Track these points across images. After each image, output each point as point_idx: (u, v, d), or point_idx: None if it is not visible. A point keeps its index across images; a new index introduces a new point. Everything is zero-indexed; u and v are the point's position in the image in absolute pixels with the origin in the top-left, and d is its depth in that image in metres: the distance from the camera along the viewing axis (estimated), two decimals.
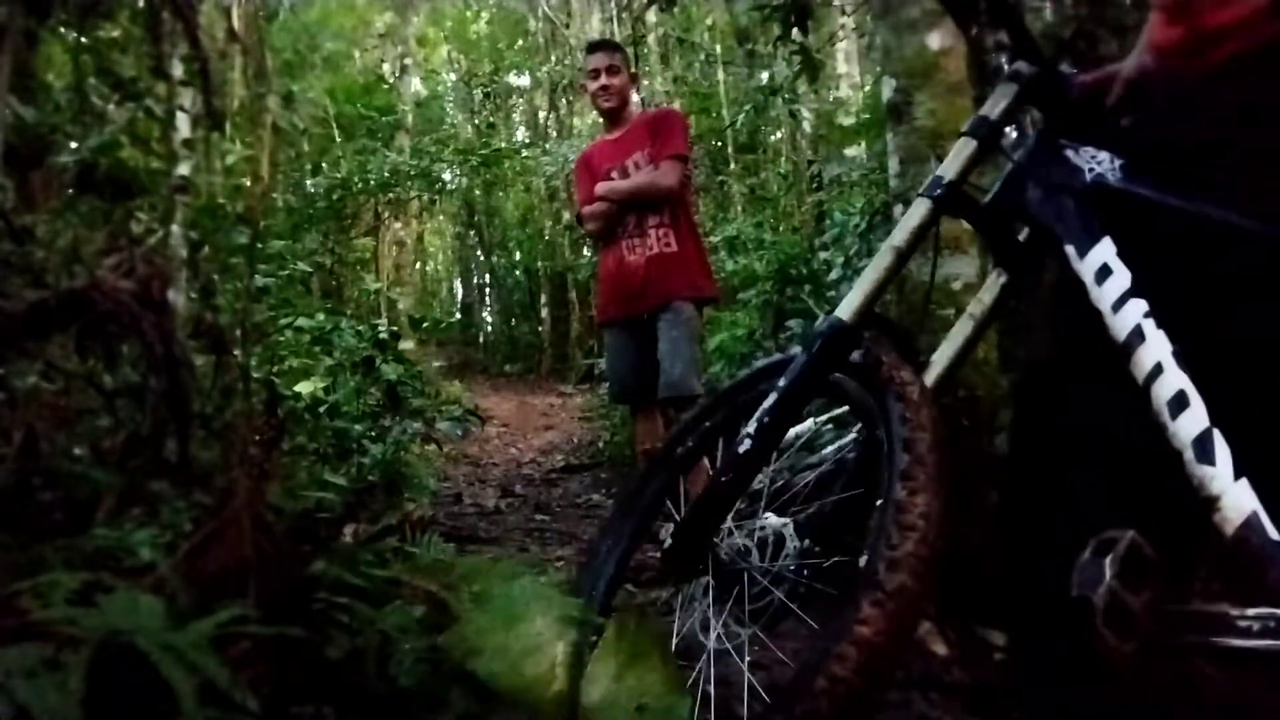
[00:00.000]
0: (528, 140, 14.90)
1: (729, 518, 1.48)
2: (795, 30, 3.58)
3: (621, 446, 5.30)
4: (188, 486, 1.80)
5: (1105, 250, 1.20)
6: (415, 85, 14.07)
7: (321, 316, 4.61)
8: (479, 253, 18.59)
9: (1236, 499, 0.99)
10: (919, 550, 1.11)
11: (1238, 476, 1.00)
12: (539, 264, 14.75)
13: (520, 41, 15.96)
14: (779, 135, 8.84)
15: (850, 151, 6.48)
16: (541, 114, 16.06)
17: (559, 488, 5.42)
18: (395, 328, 5.26)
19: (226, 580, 1.31)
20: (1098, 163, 1.26)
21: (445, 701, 1.27)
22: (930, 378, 1.38)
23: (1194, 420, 1.04)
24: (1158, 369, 1.09)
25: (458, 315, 18.09)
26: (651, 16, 10.00)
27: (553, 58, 14.21)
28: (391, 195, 10.70)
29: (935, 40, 2.35)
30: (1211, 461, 1.01)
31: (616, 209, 3.26)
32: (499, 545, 3.55)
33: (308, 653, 1.27)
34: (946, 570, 1.61)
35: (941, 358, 1.44)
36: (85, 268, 1.77)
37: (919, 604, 1.13)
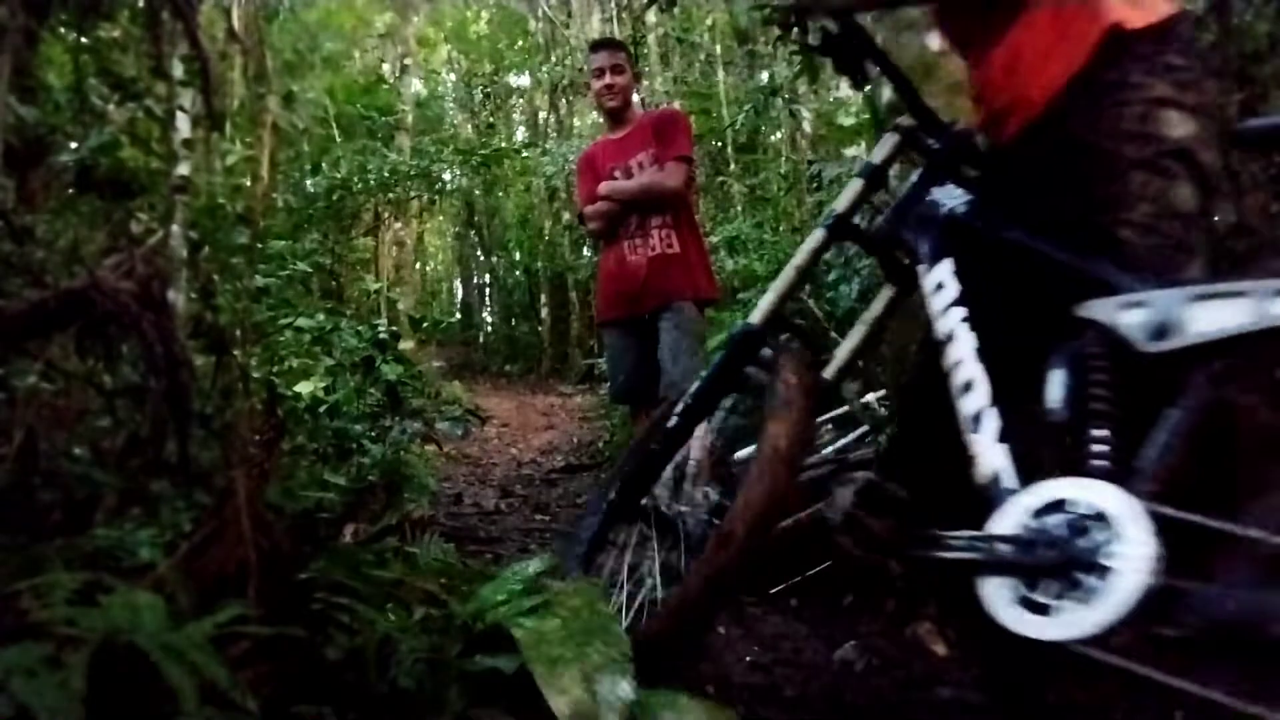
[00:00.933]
0: (528, 140, 14.89)
1: (660, 479, 1.83)
2: (795, 30, 3.58)
3: (621, 447, 5.30)
4: (188, 486, 1.80)
5: (943, 269, 1.53)
6: (415, 85, 14.07)
7: (321, 316, 4.60)
8: (479, 253, 18.59)
9: (989, 459, 1.31)
10: (763, 496, 1.43)
11: (998, 442, 1.32)
12: (539, 264, 14.74)
13: (520, 42, 15.95)
14: (779, 135, 8.84)
15: (850, 151, 6.48)
16: (541, 114, 16.07)
17: (559, 488, 5.42)
18: (395, 328, 5.25)
19: (226, 580, 1.31)
20: (953, 199, 1.58)
21: (445, 701, 1.27)
22: (829, 371, 1.73)
23: (975, 400, 1.37)
24: (959, 362, 1.42)
25: (458, 315, 18.08)
26: (651, 16, 10.00)
27: (553, 58, 14.21)
28: (391, 195, 10.70)
29: (935, 40, 2.35)
30: (979, 431, 1.34)
31: (619, 208, 3.26)
32: (499, 545, 3.55)
33: (308, 653, 1.27)
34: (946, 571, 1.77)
35: (840, 355, 1.76)
36: (85, 268, 1.77)
37: (761, 536, 1.44)
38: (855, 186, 1.74)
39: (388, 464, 3.54)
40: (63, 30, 3.35)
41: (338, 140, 11.14)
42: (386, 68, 14.49)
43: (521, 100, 17.35)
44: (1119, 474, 1.17)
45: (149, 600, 1.15)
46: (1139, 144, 1.40)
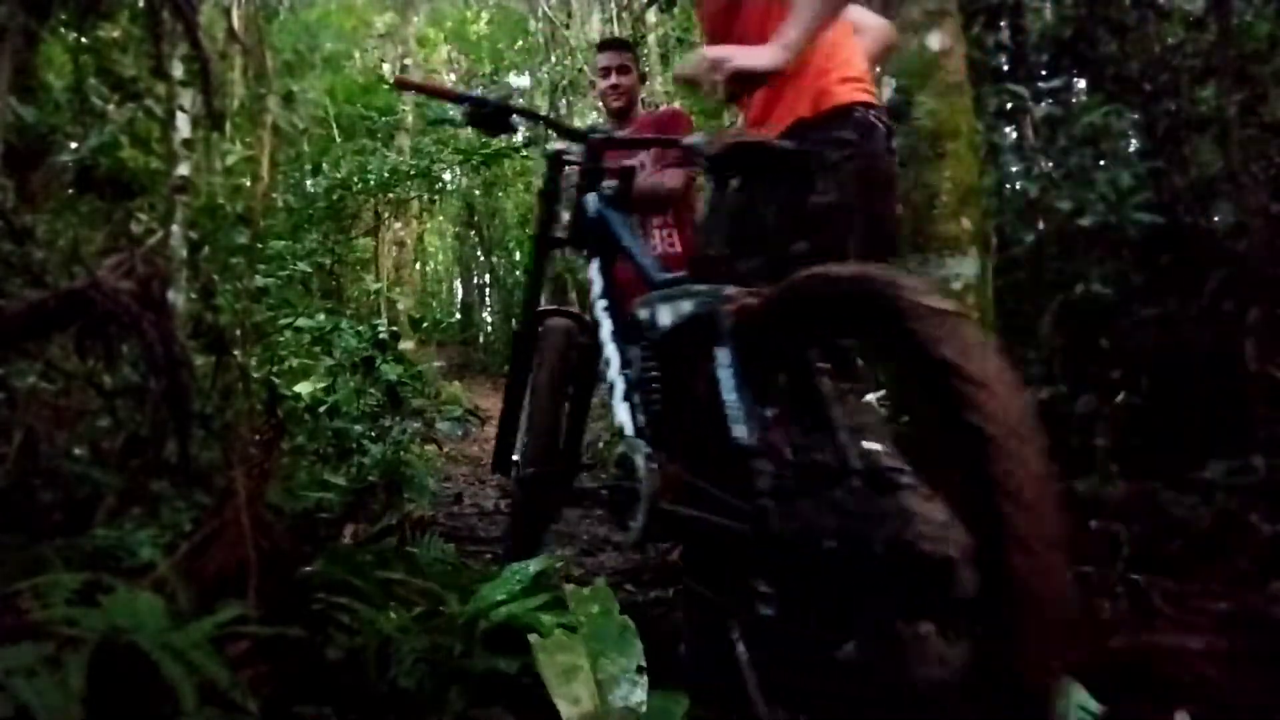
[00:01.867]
0: (528, 140, 14.88)
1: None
2: None
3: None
4: (188, 486, 1.80)
5: (593, 265, 1.91)
6: None
7: (321, 317, 4.60)
8: (479, 253, 18.59)
9: (619, 415, 1.67)
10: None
11: (624, 401, 1.67)
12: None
13: (520, 42, 15.97)
14: None
15: None
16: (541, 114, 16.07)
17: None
18: (395, 328, 5.25)
19: (226, 580, 1.31)
20: (595, 204, 1.95)
21: (445, 701, 1.27)
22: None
23: (611, 372, 1.72)
24: (604, 342, 1.78)
25: (458, 315, 18.08)
26: (651, 17, 9.99)
27: (553, 58, 14.21)
28: (391, 195, 10.69)
29: (935, 40, 2.35)
30: (613, 395, 1.69)
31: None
32: (499, 545, 3.54)
33: (308, 653, 1.27)
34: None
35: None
36: (85, 268, 1.77)
37: None
38: (541, 202, 2.20)
39: (388, 464, 3.53)
40: (63, 30, 3.35)
41: (338, 140, 11.13)
42: (386, 68, 14.49)
43: (522, 100, 17.36)
44: (642, 430, 1.62)
45: (149, 600, 1.15)
46: (782, 207, 1.76)
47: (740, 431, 1.37)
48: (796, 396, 1.43)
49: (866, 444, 1.22)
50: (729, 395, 1.42)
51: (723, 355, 1.47)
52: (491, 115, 2.06)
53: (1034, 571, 0.94)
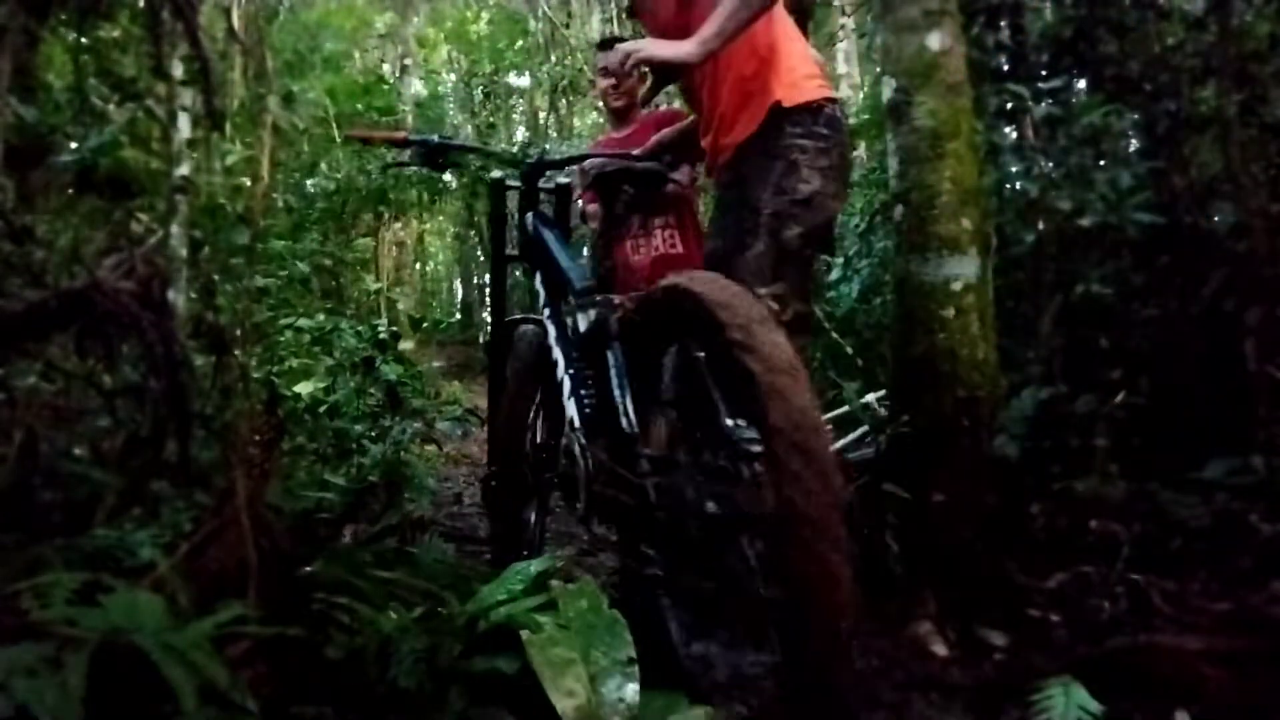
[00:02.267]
0: (528, 140, 14.86)
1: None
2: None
3: None
4: (188, 486, 1.80)
5: (537, 277, 2.16)
6: (415, 86, 14.06)
7: (321, 317, 4.60)
8: (479, 253, 18.58)
9: (568, 409, 1.84)
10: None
11: (570, 398, 1.84)
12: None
13: (520, 42, 15.94)
14: None
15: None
16: (541, 114, 16.05)
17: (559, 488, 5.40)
18: (395, 328, 5.25)
19: (226, 580, 1.31)
20: (531, 221, 2.20)
21: (445, 701, 1.27)
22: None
23: (559, 371, 1.91)
24: (552, 345, 1.98)
25: (458, 315, 18.06)
26: None
27: (553, 58, 14.19)
28: (392, 196, 10.69)
29: (935, 40, 2.35)
30: (563, 391, 1.87)
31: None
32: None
33: (308, 653, 1.27)
34: (947, 570, 1.83)
35: None
36: (85, 268, 1.77)
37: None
38: (489, 228, 2.53)
39: (388, 464, 3.53)
40: (63, 30, 3.34)
41: (338, 141, 11.12)
42: (387, 68, 14.48)
43: (521, 100, 17.34)
44: (582, 423, 1.80)
45: (149, 600, 1.15)
46: (774, 193, 1.91)
47: (625, 422, 1.64)
48: (681, 386, 1.66)
49: (729, 421, 1.40)
50: (616, 390, 1.68)
51: (612, 355, 1.73)
52: (435, 152, 2.28)
53: (794, 477, 1.23)
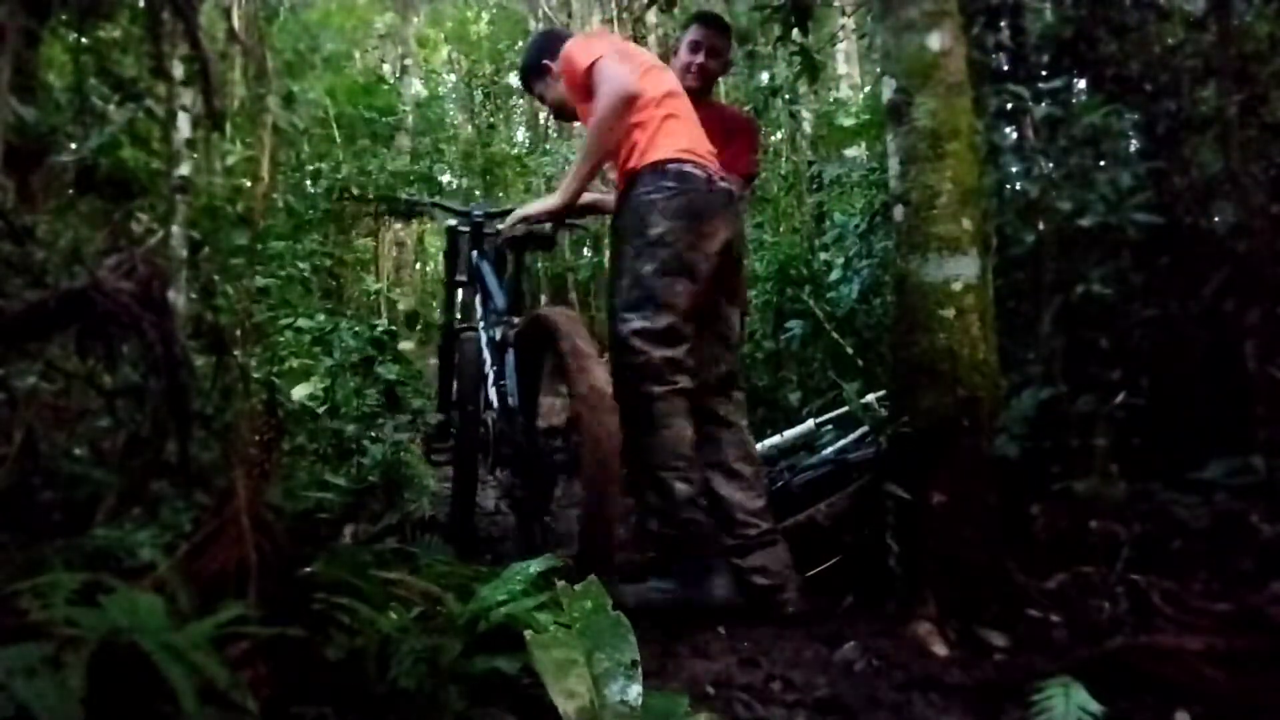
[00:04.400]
0: (528, 141, 14.85)
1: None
2: (795, 31, 3.57)
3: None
4: (188, 486, 1.80)
5: (475, 298, 2.98)
6: (416, 86, 14.05)
7: (321, 317, 4.60)
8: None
9: (491, 398, 2.70)
10: None
11: (492, 386, 2.70)
12: (539, 264, 14.71)
13: (521, 42, 15.93)
14: (779, 136, 8.83)
15: (850, 152, 6.47)
16: (542, 115, 16.04)
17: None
18: (394, 328, 5.25)
19: (226, 580, 1.31)
20: (475, 257, 3.01)
21: (445, 701, 1.27)
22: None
23: (486, 367, 2.75)
24: (482, 349, 2.80)
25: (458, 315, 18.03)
26: (652, 17, 9.98)
27: None
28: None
29: (935, 41, 2.35)
30: (487, 380, 2.75)
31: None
32: (499, 545, 3.54)
33: (308, 653, 1.27)
34: (946, 570, 1.84)
35: None
36: (85, 268, 1.77)
37: None
38: (445, 262, 3.32)
39: (388, 464, 3.53)
40: (63, 30, 3.34)
41: (338, 141, 11.12)
42: (387, 68, 14.48)
43: (522, 101, 17.34)
44: (495, 403, 2.69)
45: (149, 600, 1.15)
46: (632, 236, 2.41)
47: (511, 401, 2.61)
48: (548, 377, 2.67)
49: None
50: (508, 380, 2.64)
51: (509, 358, 2.66)
52: (407, 208, 3.54)
53: (590, 433, 2.09)
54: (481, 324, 2.85)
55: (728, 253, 2.47)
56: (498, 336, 2.72)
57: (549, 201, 2.58)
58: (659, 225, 2.36)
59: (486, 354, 2.76)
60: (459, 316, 3.05)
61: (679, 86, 2.62)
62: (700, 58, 3.17)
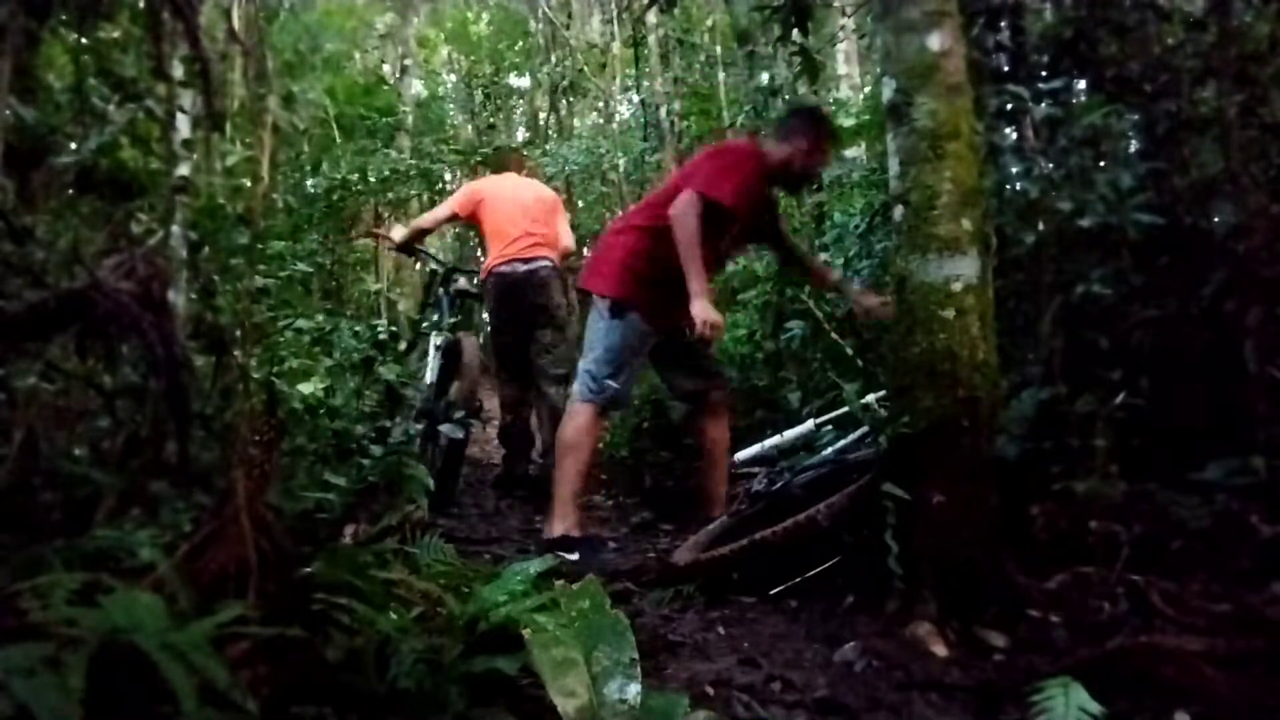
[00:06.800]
0: (528, 141, 14.85)
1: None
2: (795, 31, 3.57)
3: (619, 447, 5.30)
4: (188, 486, 1.80)
5: (435, 318, 4.84)
6: (416, 86, 14.05)
7: (321, 317, 4.60)
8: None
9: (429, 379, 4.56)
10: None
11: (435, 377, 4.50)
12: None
13: (520, 43, 15.93)
14: None
15: (850, 152, 6.46)
16: (542, 115, 16.05)
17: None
18: (395, 328, 5.25)
19: (226, 580, 1.31)
20: (443, 293, 4.82)
21: (445, 701, 1.27)
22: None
23: (434, 364, 4.69)
24: (430, 351, 4.68)
25: (458, 316, 18.04)
26: (652, 18, 9.97)
27: (553, 59, 14.19)
28: (392, 195, 10.68)
29: (935, 41, 2.35)
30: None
31: None
32: (499, 545, 3.54)
33: (308, 653, 1.27)
34: (946, 570, 1.85)
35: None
36: (85, 268, 1.77)
37: None
38: (421, 294, 5.42)
39: (388, 465, 3.53)
40: (63, 30, 3.34)
41: (338, 141, 11.12)
42: (387, 68, 14.46)
43: (522, 101, 17.34)
44: (435, 389, 4.49)
45: (149, 600, 1.15)
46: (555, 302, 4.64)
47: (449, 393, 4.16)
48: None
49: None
50: (435, 371, 4.34)
51: (439, 359, 4.34)
52: (404, 247, 4.94)
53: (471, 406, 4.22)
54: (433, 333, 4.52)
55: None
56: (439, 343, 4.44)
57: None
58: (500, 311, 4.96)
59: (431, 352, 4.43)
60: (424, 325, 4.71)
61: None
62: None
